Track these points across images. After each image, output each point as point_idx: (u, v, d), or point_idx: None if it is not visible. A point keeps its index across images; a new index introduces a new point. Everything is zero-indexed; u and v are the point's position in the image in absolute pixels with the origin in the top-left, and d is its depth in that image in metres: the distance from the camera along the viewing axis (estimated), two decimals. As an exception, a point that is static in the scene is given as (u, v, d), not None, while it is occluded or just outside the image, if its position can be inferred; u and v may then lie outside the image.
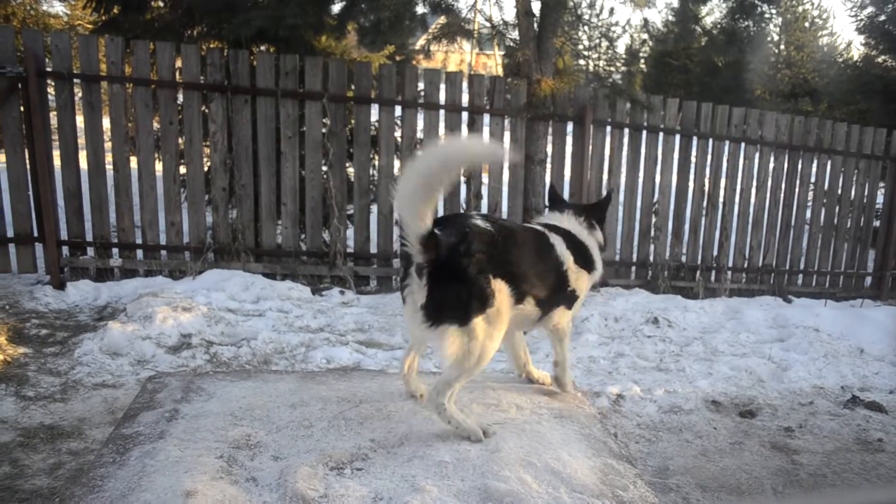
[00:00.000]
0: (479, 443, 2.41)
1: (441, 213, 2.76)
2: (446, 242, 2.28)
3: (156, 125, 7.06)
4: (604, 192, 8.00)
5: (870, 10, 14.57)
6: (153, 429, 2.41)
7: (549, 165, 7.93)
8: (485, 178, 7.74)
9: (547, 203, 3.09)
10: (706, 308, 7.55)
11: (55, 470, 3.72)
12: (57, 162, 6.70)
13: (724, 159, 8.56)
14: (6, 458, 3.78)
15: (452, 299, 2.32)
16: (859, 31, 15.34)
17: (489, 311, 2.35)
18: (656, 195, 8.33)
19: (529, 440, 2.44)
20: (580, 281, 2.76)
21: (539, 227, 2.74)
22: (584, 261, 2.77)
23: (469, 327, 2.33)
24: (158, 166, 7.03)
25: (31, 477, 3.64)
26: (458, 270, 2.29)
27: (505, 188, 7.80)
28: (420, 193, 2.15)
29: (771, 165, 8.78)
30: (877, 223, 9.74)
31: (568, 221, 2.86)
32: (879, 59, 14.75)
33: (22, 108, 6.48)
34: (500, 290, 2.37)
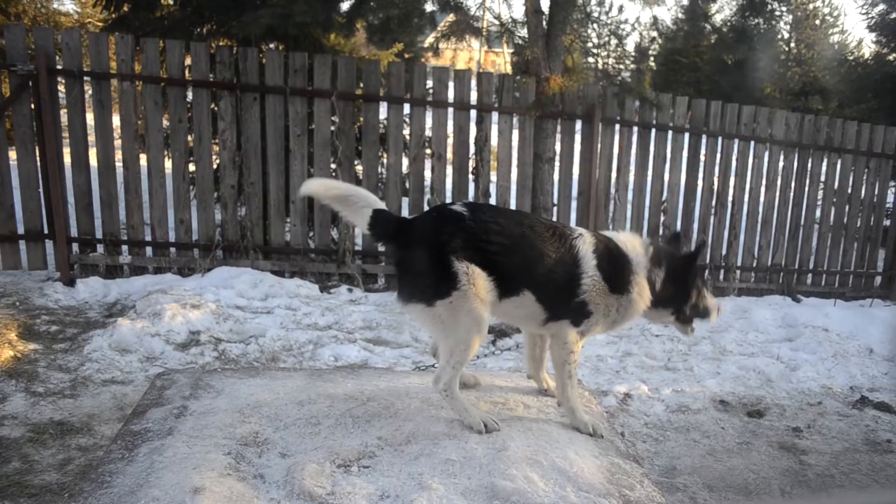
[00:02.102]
0: (479, 434, 2.42)
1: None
2: (414, 227, 2.40)
3: (165, 123, 7.08)
4: (612, 191, 8.00)
5: (881, 7, 14.49)
6: (162, 425, 2.42)
7: (557, 164, 7.91)
8: (493, 177, 7.73)
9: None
10: (715, 307, 7.52)
11: (64, 465, 3.75)
12: (67, 159, 6.74)
13: (734, 158, 8.52)
14: (16, 454, 3.80)
15: (413, 279, 2.40)
16: (870, 29, 15.25)
17: (455, 294, 2.33)
18: (665, 194, 8.31)
19: (536, 439, 2.44)
20: (600, 296, 2.52)
21: (560, 225, 2.59)
22: (615, 277, 2.52)
23: (434, 309, 2.36)
24: (168, 164, 7.06)
25: (41, 472, 3.67)
26: (417, 252, 2.38)
27: (513, 186, 7.79)
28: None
29: (780, 164, 8.73)
30: (887, 222, 9.68)
31: (626, 236, 2.65)
32: (890, 58, 14.66)
33: (33, 106, 6.52)
34: (472, 272, 2.33)
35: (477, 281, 2.34)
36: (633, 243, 2.64)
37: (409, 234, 2.40)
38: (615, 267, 2.55)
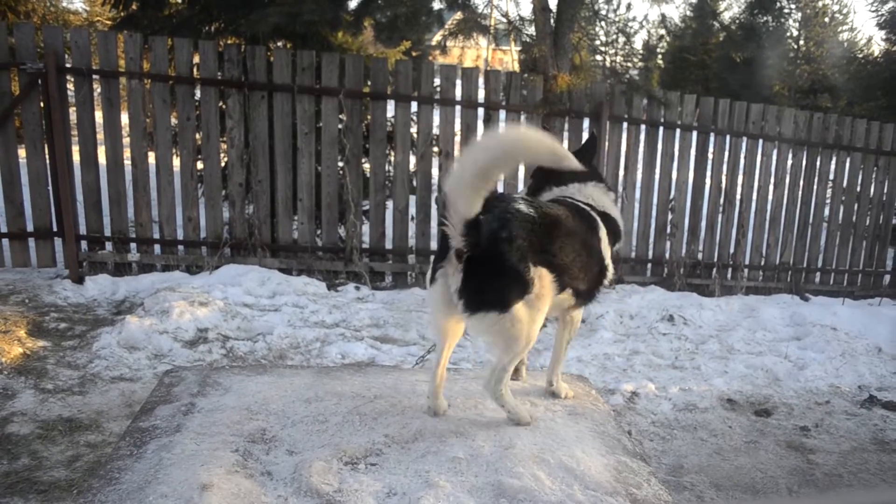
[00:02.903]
0: (527, 426, 2.49)
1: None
2: (488, 228, 2.23)
3: (173, 121, 7.10)
4: (620, 189, 7.99)
5: (891, 4, 14.45)
6: (170, 422, 2.43)
7: (564, 162, 7.89)
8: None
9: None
10: (722, 306, 7.51)
11: (73, 462, 3.77)
12: (76, 157, 6.77)
13: (742, 156, 8.49)
14: (26, 450, 3.83)
15: (492, 286, 2.30)
16: (880, 27, 15.22)
17: (528, 297, 2.32)
18: (673, 192, 8.29)
19: (543, 437, 2.44)
20: (611, 268, 2.72)
21: (589, 212, 2.65)
22: (615, 243, 2.73)
23: (510, 313, 2.31)
24: (176, 162, 7.08)
25: (50, 469, 3.69)
26: (499, 257, 2.26)
27: (521, 184, 7.76)
28: (476, 181, 2.15)
29: (789, 162, 8.70)
30: (896, 221, 9.64)
31: (605, 197, 2.79)
32: (900, 55, 14.61)
33: (42, 104, 6.55)
34: (542, 276, 2.34)
35: (545, 281, 2.36)
36: (609, 204, 2.80)
37: (490, 238, 2.25)
38: (616, 235, 2.74)
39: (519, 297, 2.31)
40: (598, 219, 2.64)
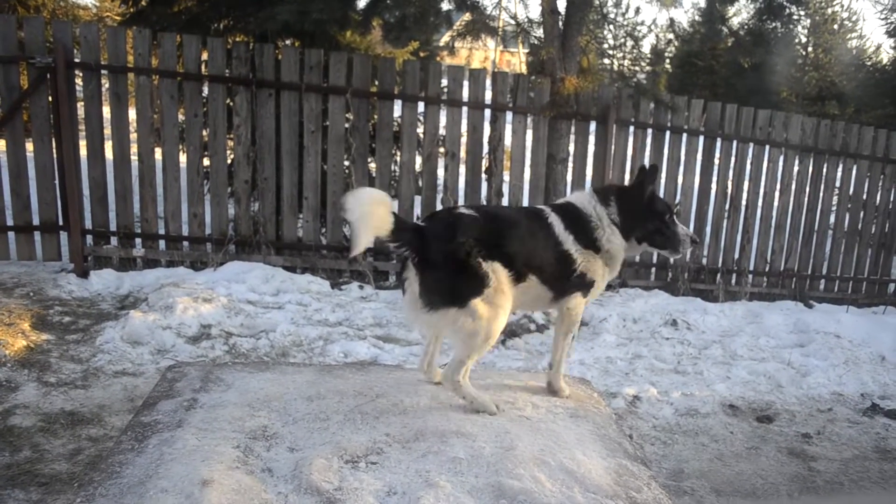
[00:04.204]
0: (493, 415, 2.58)
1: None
2: (431, 234, 2.47)
3: (181, 117, 7.12)
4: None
5: (901, 13, 14.39)
6: (172, 417, 2.44)
7: (570, 165, 7.90)
8: (506, 177, 7.73)
9: None
10: (726, 311, 7.50)
11: (75, 455, 3.78)
12: (83, 152, 6.79)
13: (748, 161, 8.47)
14: (27, 443, 3.84)
15: (445, 284, 2.48)
16: (889, 35, 15.18)
17: (487, 291, 2.49)
18: (678, 196, 8.27)
19: (544, 439, 2.44)
20: (590, 263, 2.76)
21: (537, 207, 2.85)
22: (587, 236, 2.74)
23: (469, 308, 2.48)
24: (182, 158, 7.09)
25: (51, 462, 3.70)
26: (447, 257, 2.46)
27: (526, 186, 7.78)
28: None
29: (795, 169, 8.69)
30: (902, 229, 9.60)
31: (576, 196, 2.90)
32: (909, 64, 14.56)
33: (50, 99, 6.57)
34: (496, 270, 2.51)
35: (500, 276, 2.53)
36: (582, 199, 2.85)
37: (434, 241, 2.49)
38: (585, 230, 2.76)
39: (475, 292, 2.49)
40: (553, 220, 2.72)
